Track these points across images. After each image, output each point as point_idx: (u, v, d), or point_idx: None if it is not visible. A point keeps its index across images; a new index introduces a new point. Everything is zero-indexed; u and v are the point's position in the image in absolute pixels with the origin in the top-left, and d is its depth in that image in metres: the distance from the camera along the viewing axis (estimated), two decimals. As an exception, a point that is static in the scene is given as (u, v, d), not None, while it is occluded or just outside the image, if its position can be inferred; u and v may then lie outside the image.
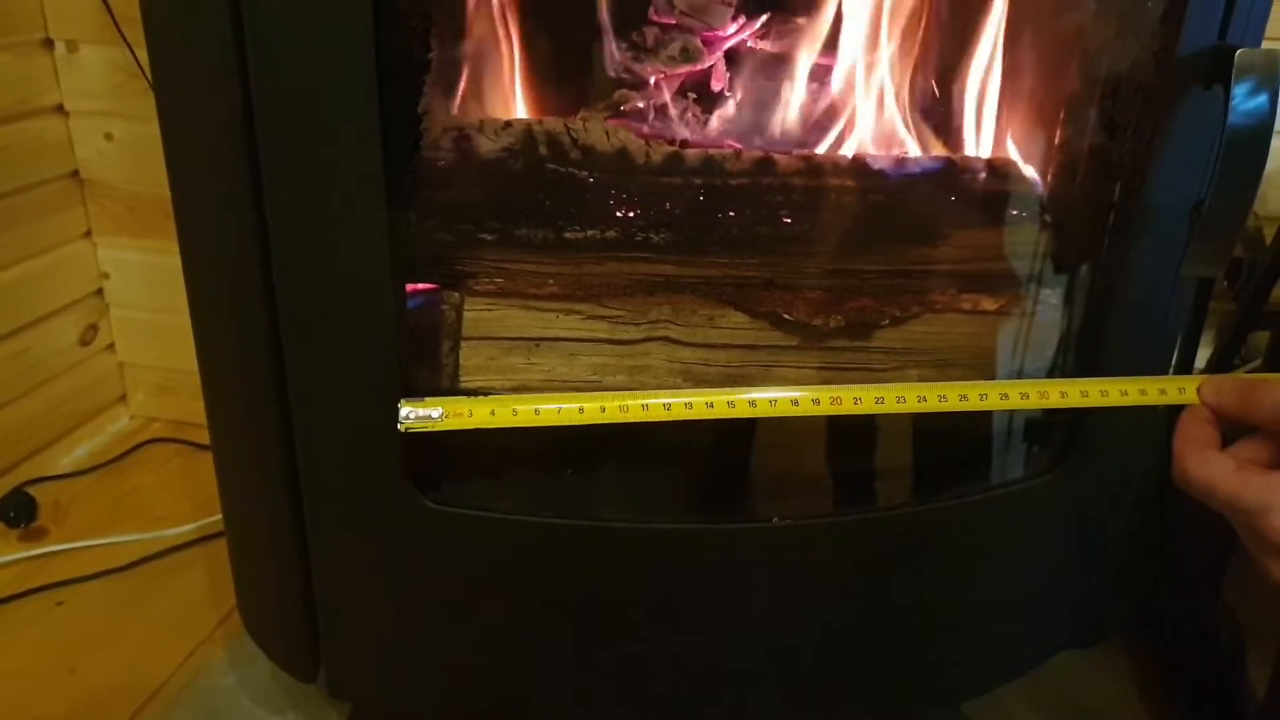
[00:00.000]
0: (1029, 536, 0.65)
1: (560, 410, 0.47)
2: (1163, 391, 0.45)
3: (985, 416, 0.65)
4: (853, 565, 0.61)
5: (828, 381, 0.59)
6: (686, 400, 0.48)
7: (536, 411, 0.47)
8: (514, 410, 0.48)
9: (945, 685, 0.71)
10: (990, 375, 0.62)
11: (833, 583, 0.61)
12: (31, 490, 0.94)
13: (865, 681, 0.67)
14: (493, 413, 0.47)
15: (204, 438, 0.64)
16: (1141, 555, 0.78)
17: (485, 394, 0.56)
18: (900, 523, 0.61)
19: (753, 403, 0.48)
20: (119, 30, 0.92)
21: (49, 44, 0.96)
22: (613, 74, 0.60)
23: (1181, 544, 0.80)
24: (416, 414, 0.48)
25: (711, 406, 0.48)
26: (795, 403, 0.48)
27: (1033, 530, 0.65)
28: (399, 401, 0.48)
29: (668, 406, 0.47)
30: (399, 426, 0.48)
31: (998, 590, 0.66)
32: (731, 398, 0.48)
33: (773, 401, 0.48)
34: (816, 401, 0.48)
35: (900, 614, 0.64)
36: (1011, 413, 0.65)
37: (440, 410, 0.48)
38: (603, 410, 0.47)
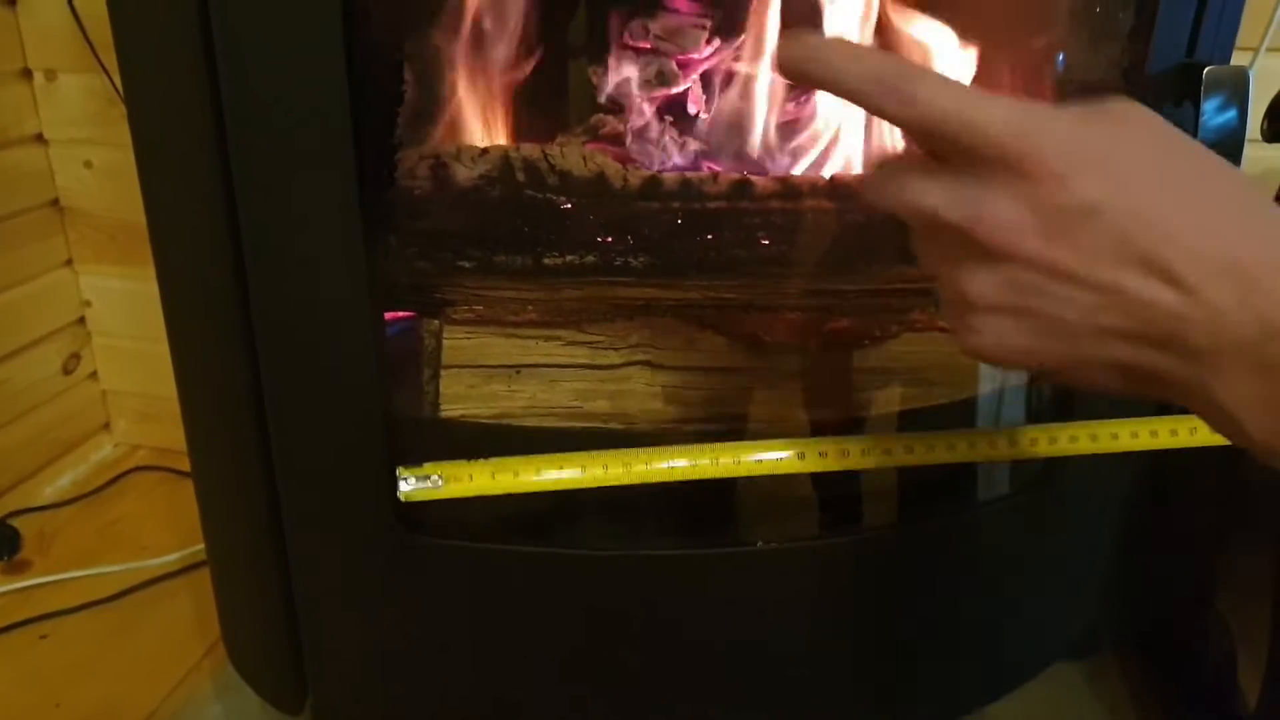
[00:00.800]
0: (1017, 552, 0.65)
1: (561, 471, 0.48)
2: (1174, 433, 0.45)
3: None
4: (839, 588, 0.61)
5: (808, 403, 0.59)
6: (690, 459, 0.49)
7: (538, 473, 0.48)
8: (515, 473, 0.49)
9: (938, 705, 0.70)
10: (971, 394, 0.62)
11: (820, 606, 0.61)
12: (15, 522, 0.93)
13: (855, 704, 0.66)
14: (493, 476, 0.48)
15: (188, 465, 0.64)
16: (1132, 565, 0.78)
17: (468, 424, 0.56)
18: (885, 544, 0.61)
19: (759, 460, 0.50)
20: (97, 58, 0.91)
21: (27, 74, 0.96)
22: (589, 99, 0.60)
23: (1172, 553, 0.80)
24: (416, 483, 0.49)
25: (717, 463, 0.49)
26: (801, 456, 0.50)
27: (1021, 545, 0.65)
28: (397, 470, 0.48)
29: (671, 466, 0.49)
30: (399, 497, 0.48)
31: (988, 607, 0.66)
32: (736, 455, 0.50)
33: (779, 459, 0.50)
34: (824, 454, 0.50)
35: (889, 635, 0.64)
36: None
37: (439, 477, 0.49)
38: (605, 469, 0.49)
